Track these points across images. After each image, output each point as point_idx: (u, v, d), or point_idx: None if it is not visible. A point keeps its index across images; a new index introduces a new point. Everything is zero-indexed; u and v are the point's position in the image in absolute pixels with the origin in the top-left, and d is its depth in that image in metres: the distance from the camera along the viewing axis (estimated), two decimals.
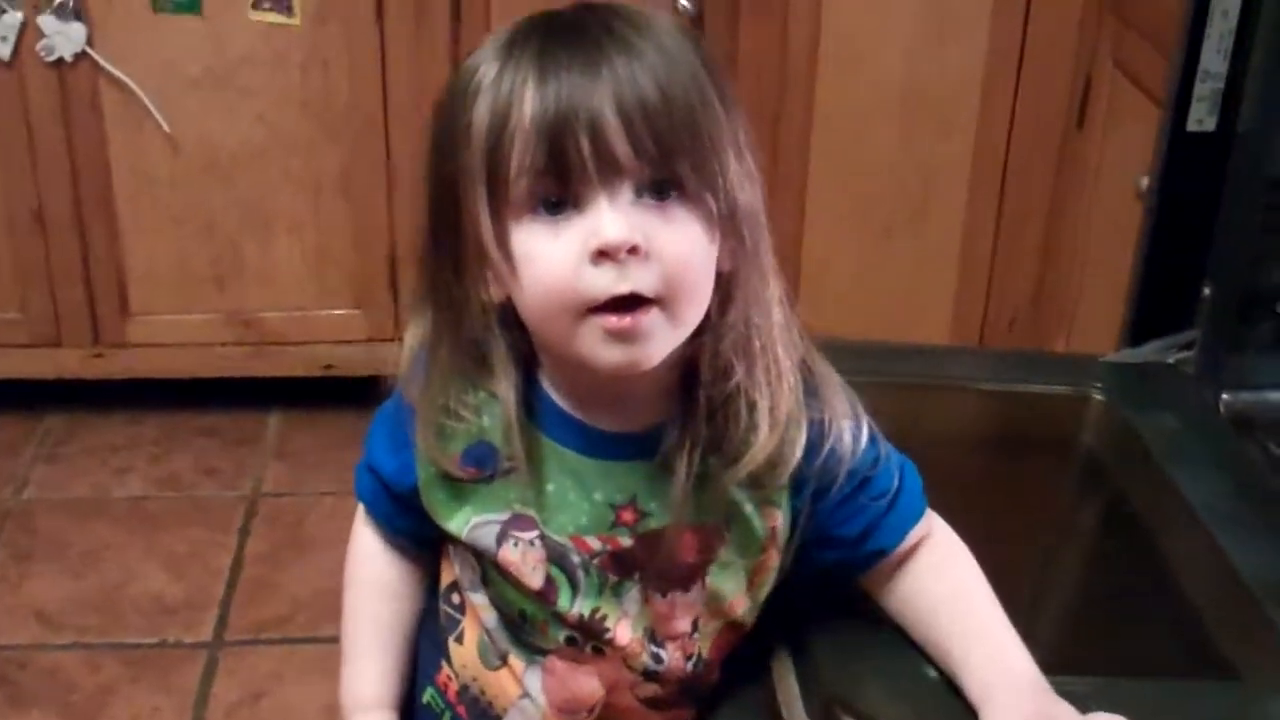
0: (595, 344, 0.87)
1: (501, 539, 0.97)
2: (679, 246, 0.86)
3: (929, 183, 2.12)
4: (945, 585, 0.99)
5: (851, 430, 0.96)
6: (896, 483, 0.99)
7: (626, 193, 0.85)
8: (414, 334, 0.98)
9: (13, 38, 2.11)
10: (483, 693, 1.05)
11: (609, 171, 0.85)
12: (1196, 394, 1.40)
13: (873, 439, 0.98)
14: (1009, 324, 2.12)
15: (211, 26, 2.14)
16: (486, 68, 0.88)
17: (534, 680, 1.02)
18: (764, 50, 2.11)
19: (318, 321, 2.35)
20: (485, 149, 0.87)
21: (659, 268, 0.85)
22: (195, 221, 2.26)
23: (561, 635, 1.00)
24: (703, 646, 1.01)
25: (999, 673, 0.92)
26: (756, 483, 0.94)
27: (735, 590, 0.99)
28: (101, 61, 2.14)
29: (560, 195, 0.86)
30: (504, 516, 0.97)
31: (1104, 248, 1.86)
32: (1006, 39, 1.96)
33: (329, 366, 2.38)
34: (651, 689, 1.02)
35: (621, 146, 0.84)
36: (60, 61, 2.13)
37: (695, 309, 0.89)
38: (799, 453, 0.94)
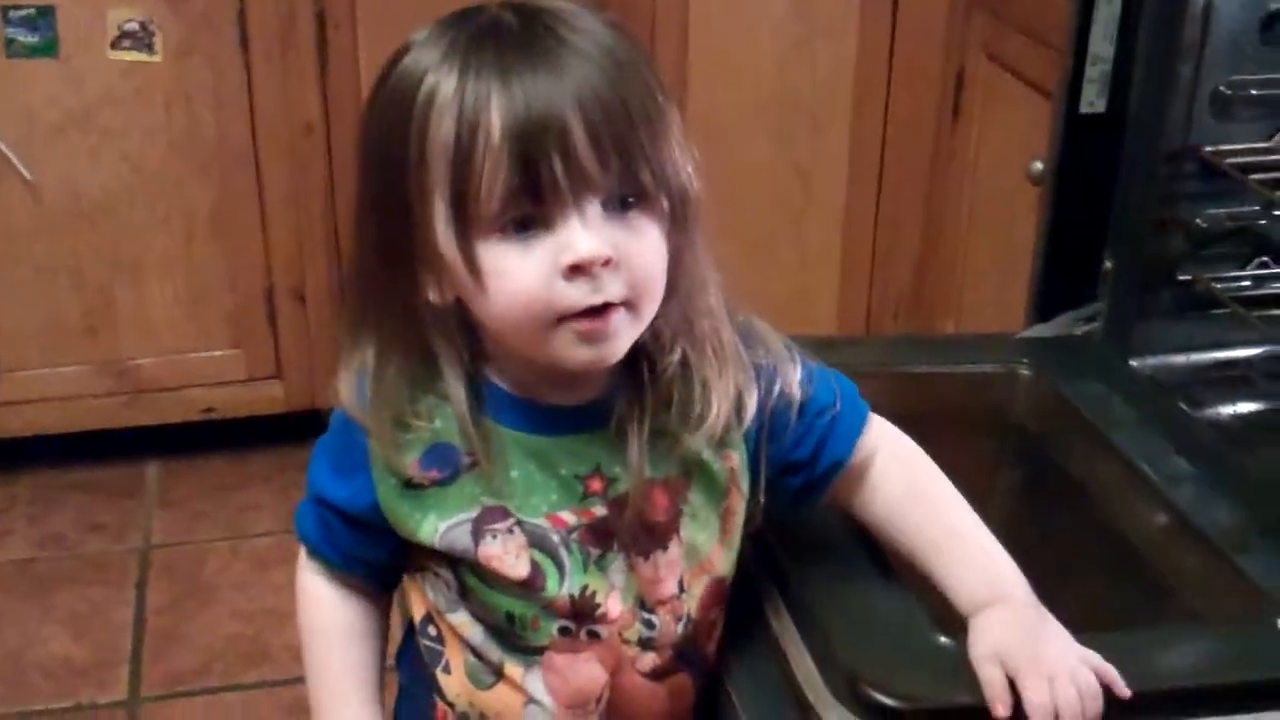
0: (567, 346, 0.90)
1: (478, 535, 0.97)
2: (645, 255, 0.90)
3: (806, 183, 2.16)
4: (907, 485, 1.04)
5: (791, 369, 1.02)
6: (835, 395, 1.04)
7: (595, 207, 0.88)
8: (353, 356, 0.98)
9: None
10: (483, 716, 1.04)
11: (580, 189, 0.87)
12: (1111, 361, 1.47)
13: (804, 364, 1.03)
14: (894, 315, 2.17)
15: (69, 69, 2.09)
16: (441, 79, 0.88)
17: (536, 682, 1.02)
18: None
19: (195, 364, 2.30)
20: (451, 167, 0.87)
21: (627, 275, 0.89)
22: (63, 271, 2.20)
23: (555, 627, 1.00)
24: (690, 606, 1.03)
25: (987, 584, 0.98)
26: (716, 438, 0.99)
27: (709, 539, 1.02)
28: None
29: (531, 214, 0.88)
30: (474, 513, 0.97)
31: (985, 234, 1.92)
32: (876, 37, 2.01)
33: (209, 410, 2.33)
34: (650, 659, 1.03)
35: (591, 165, 0.87)
36: None
37: (655, 304, 0.93)
38: (754, 405, 0.99)
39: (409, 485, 0.97)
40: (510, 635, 1.01)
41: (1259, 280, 1.50)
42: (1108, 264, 1.53)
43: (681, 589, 1.02)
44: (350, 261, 1.00)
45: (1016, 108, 1.77)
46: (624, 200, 0.89)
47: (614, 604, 1.00)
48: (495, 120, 0.86)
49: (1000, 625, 0.96)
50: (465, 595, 1.01)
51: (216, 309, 2.27)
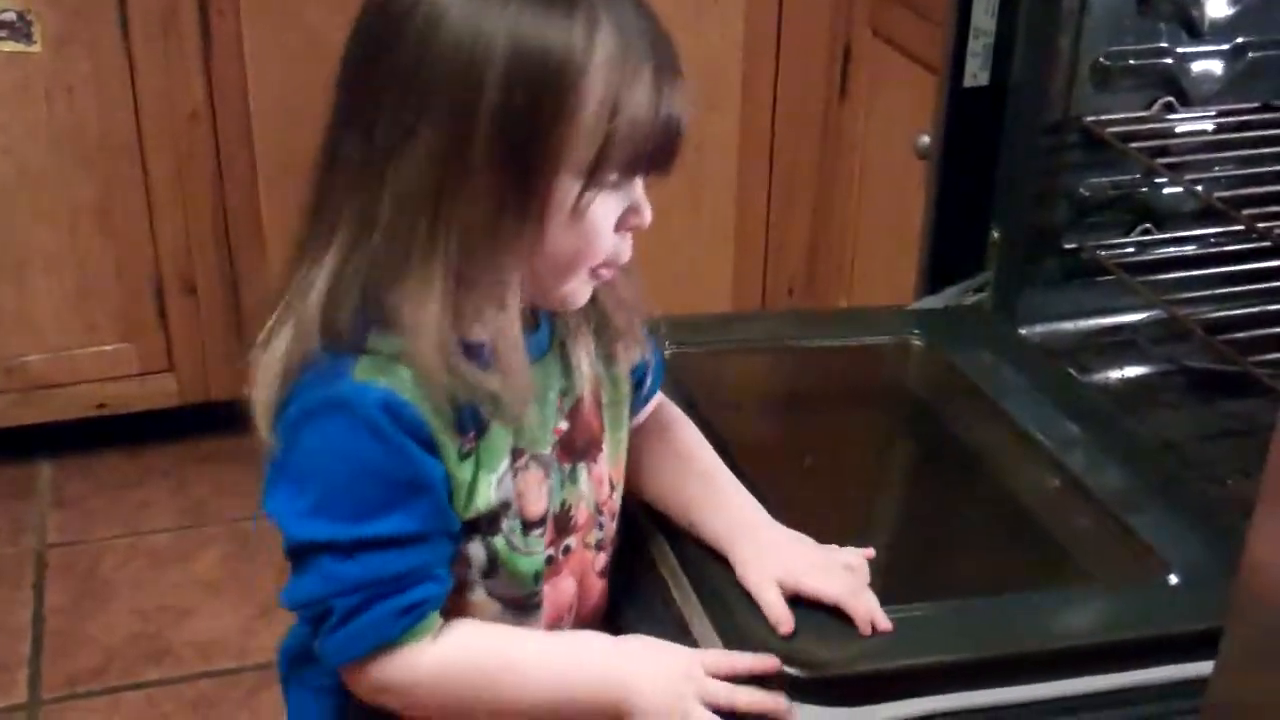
0: (579, 287, 0.97)
1: (515, 479, 0.98)
2: None
3: (698, 162, 2.17)
4: (679, 444, 1.13)
5: None
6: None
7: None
8: (379, 345, 0.92)
9: None
10: None
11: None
12: (1000, 330, 1.49)
13: None
14: (788, 292, 2.19)
15: None
16: (592, 41, 0.88)
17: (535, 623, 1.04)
18: None
19: (85, 360, 2.26)
20: (606, 128, 0.89)
21: None
22: None
23: (544, 557, 1.02)
24: (618, 500, 1.09)
25: (737, 521, 1.06)
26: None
27: (621, 440, 1.09)
28: None
29: (628, 177, 0.93)
30: (508, 460, 0.97)
31: (876, 209, 1.94)
32: (762, 15, 2.02)
33: (101, 405, 2.29)
34: (601, 559, 1.09)
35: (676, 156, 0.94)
36: None
37: None
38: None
39: (462, 455, 0.94)
40: (525, 601, 1.01)
41: (1142, 246, 1.53)
42: (994, 234, 1.55)
43: (611, 486, 1.08)
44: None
45: (902, 83, 1.79)
46: None
47: (581, 513, 1.04)
48: (644, 97, 0.90)
49: (760, 550, 1.03)
50: (493, 570, 0.99)
51: (105, 303, 2.23)
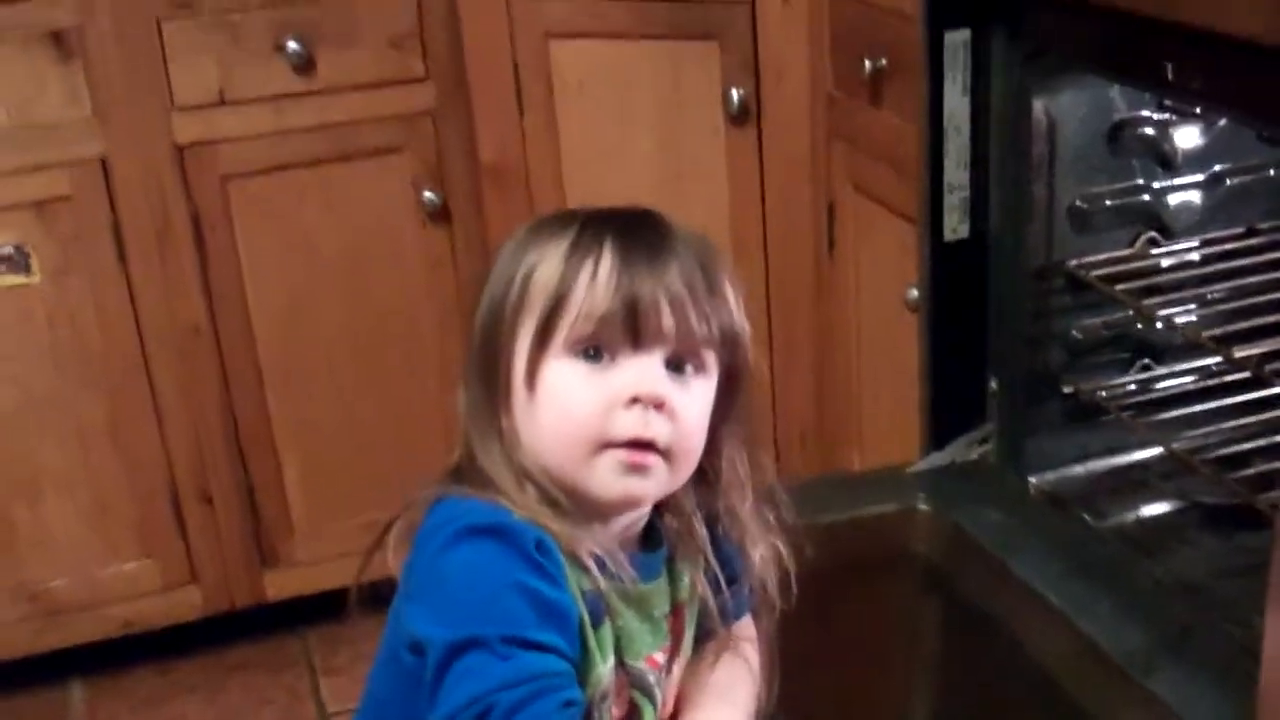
0: (606, 473, 0.98)
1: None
2: (692, 412, 1.00)
3: None
4: (715, 680, 1.11)
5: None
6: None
7: (659, 359, 0.99)
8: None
9: None
10: None
11: (654, 339, 0.98)
12: (1007, 483, 1.48)
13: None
14: (800, 443, 2.18)
15: None
16: (558, 238, 1.00)
17: None
18: (513, 227, 2.15)
19: (107, 580, 2.25)
20: (553, 292, 0.98)
21: (673, 425, 0.99)
22: None
23: None
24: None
25: None
26: None
27: (689, 644, 1.11)
28: None
29: (603, 347, 0.98)
30: (611, 661, 1.00)
31: (877, 359, 1.94)
32: (745, 181, 2.04)
33: (127, 624, 2.28)
34: None
35: (669, 322, 0.98)
36: None
37: (689, 468, 1.03)
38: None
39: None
40: None
41: (1142, 384, 1.52)
42: (993, 384, 1.54)
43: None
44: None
45: (887, 236, 1.79)
46: (681, 363, 1.00)
47: (664, 711, 1.08)
48: (609, 258, 0.98)
49: None
50: None
51: (122, 520, 2.23)
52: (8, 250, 2.07)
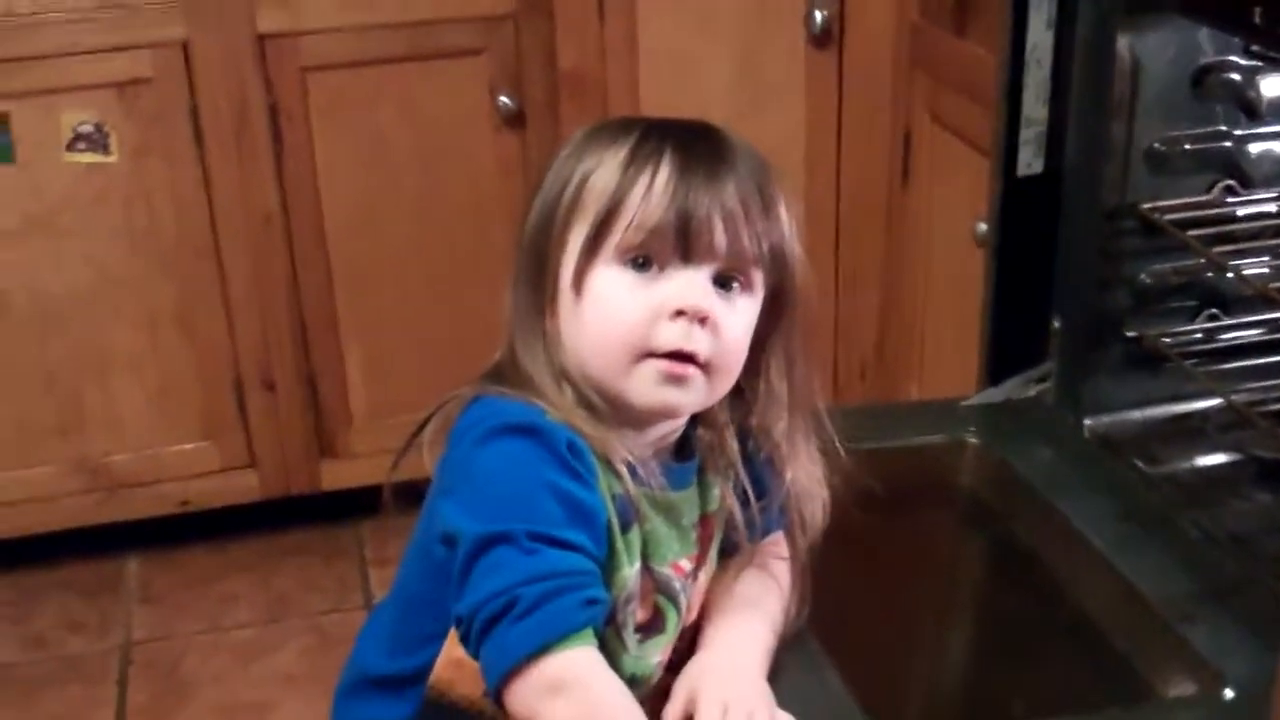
0: (645, 382, 0.99)
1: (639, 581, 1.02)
2: (735, 330, 1.01)
3: None
4: (742, 590, 1.11)
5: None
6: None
7: (707, 274, 0.99)
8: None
9: None
10: None
11: (705, 254, 0.99)
12: (1062, 424, 1.46)
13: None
14: (860, 376, 2.17)
15: (26, 173, 2.10)
16: (617, 145, 1.00)
17: None
18: None
19: (168, 458, 2.30)
20: (608, 197, 0.99)
21: (714, 341, 1.00)
22: (32, 374, 2.20)
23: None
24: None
25: (725, 643, 1.07)
26: None
27: (715, 555, 1.12)
28: None
29: (653, 257, 0.98)
30: (638, 564, 1.02)
31: (943, 293, 1.92)
32: (823, 104, 2.02)
33: (185, 503, 2.33)
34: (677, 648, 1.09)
35: (720, 239, 0.99)
36: None
37: (727, 383, 1.03)
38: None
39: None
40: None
41: (1208, 333, 1.50)
42: (1055, 323, 1.53)
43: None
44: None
45: (963, 169, 1.77)
46: (728, 280, 1.00)
47: (690, 615, 1.09)
48: (666, 169, 0.98)
49: (706, 665, 1.05)
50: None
51: (186, 402, 2.28)
52: (88, 129, 2.10)
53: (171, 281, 2.20)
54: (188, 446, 2.30)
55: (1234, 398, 1.38)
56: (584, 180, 1.00)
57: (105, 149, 2.11)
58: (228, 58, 2.09)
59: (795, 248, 1.05)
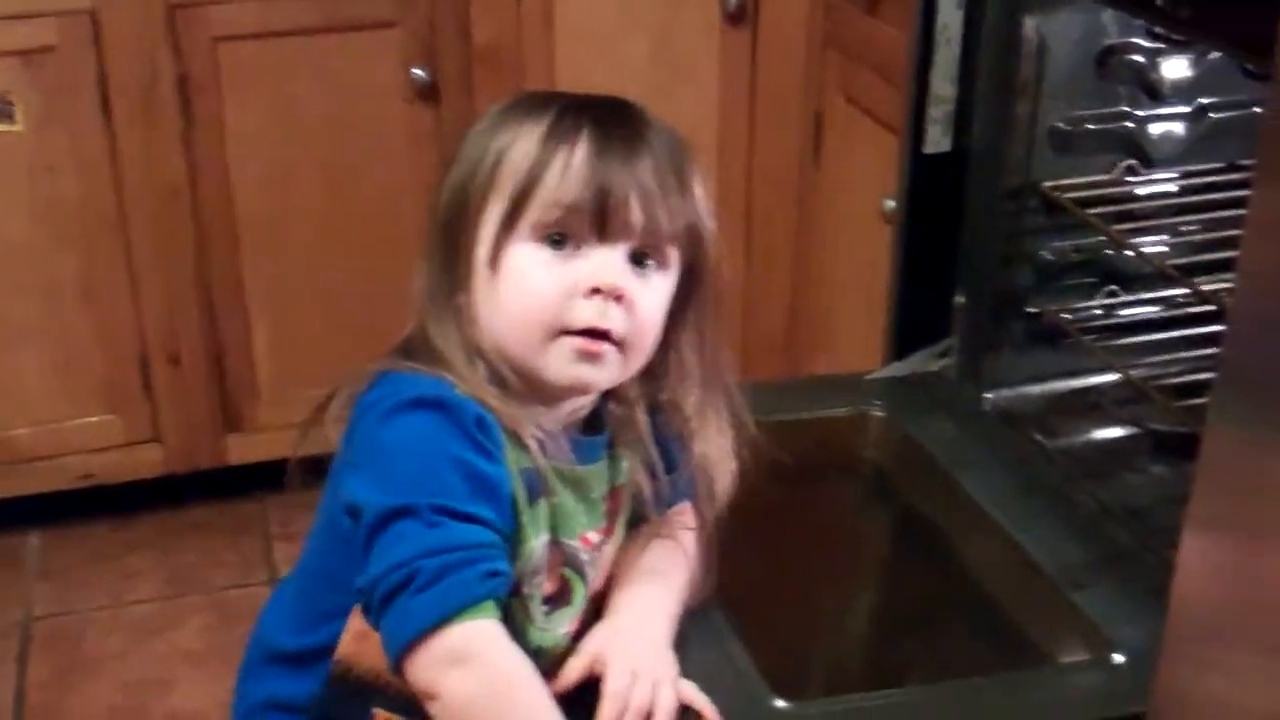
0: (560, 359, 1.00)
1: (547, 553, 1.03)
2: (649, 307, 1.03)
3: None
4: (649, 560, 1.11)
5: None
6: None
7: (622, 252, 1.00)
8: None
9: None
10: None
11: (621, 232, 1.00)
12: (964, 398, 1.49)
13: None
14: (770, 349, 2.19)
15: None
16: (534, 121, 1.00)
17: None
18: None
19: (70, 432, 2.26)
20: (525, 173, 0.99)
21: (629, 318, 1.01)
22: None
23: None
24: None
25: (630, 608, 1.08)
26: None
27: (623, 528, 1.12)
28: None
29: (569, 235, 0.99)
30: (546, 537, 1.02)
31: (852, 270, 1.94)
32: (736, 82, 2.03)
33: (87, 476, 2.29)
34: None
35: (637, 217, 1.00)
36: None
37: (641, 360, 1.05)
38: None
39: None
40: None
41: (1107, 309, 1.53)
42: (959, 299, 1.55)
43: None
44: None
45: (872, 147, 1.79)
46: (644, 258, 1.01)
47: (597, 584, 1.10)
48: (584, 147, 0.99)
49: (612, 630, 1.05)
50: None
51: (90, 376, 2.24)
52: None
53: (75, 253, 2.16)
54: (91, 420, 2.27)
55: (1131, 373, 1.40)
56: (500, 156, 1.01)
57: (10, 118, 2.07)
58: (137, 27, 2.06)
59: (709, 225, 1.06)
